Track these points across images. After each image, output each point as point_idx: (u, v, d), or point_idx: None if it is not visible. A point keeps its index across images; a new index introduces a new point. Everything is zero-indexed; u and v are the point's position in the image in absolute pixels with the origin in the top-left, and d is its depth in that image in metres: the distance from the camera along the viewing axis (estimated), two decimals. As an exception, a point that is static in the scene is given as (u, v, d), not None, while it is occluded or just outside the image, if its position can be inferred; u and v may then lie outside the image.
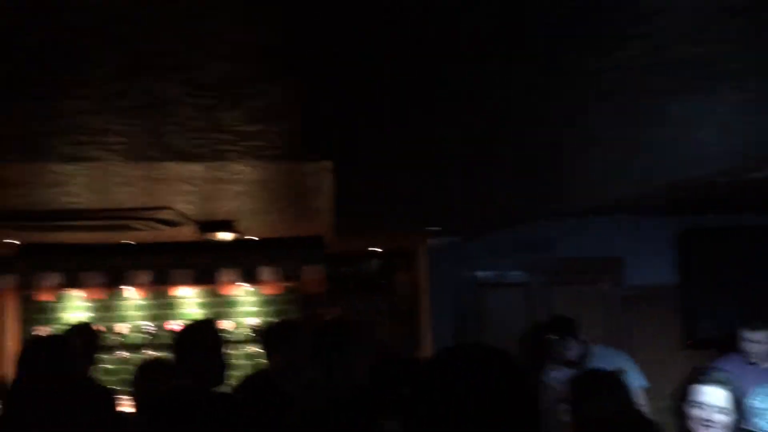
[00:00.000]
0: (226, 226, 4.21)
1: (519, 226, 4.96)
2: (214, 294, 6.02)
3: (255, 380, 2.98)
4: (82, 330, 3.92)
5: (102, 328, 5.49)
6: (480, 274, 5.41)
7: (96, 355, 3.89)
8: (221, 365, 2.56)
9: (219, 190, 3.13)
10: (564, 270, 5.37)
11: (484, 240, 5.24)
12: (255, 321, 6.00)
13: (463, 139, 1.87)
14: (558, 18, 1.04)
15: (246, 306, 6.10)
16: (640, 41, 1.16)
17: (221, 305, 6.00)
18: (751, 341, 3.54)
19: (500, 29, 1.08)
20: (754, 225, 5.29)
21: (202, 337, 2.54)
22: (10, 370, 5.79)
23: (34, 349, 2.69)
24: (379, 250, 5.93)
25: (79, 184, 2.75)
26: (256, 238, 5.50)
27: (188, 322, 3.09)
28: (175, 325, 5.80)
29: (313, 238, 5.35)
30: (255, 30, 1.02)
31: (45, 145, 1.61)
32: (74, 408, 1.84)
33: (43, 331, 5.71)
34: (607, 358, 3.45)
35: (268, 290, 6.00)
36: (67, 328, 4.44)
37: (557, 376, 3.57)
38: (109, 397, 3.54)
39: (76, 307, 6.06)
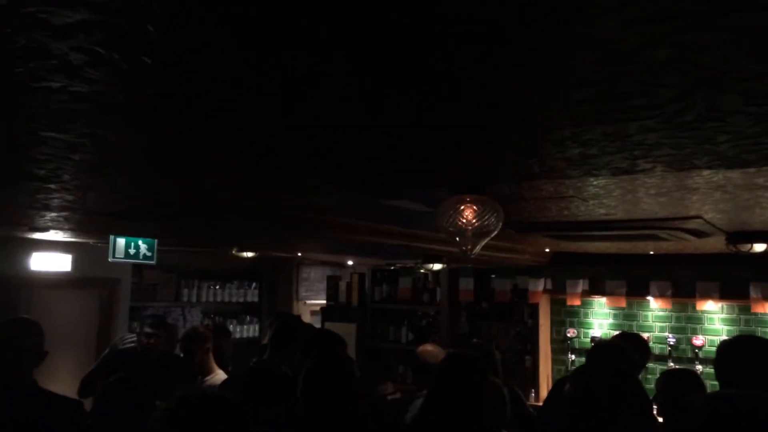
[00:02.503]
0: (760, 237, 3.90)
1: None
2: (745, 310, 5.59)
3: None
4: (634, 337, 4.13)
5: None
6: None
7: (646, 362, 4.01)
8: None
9: (756, 197, 2.95)
10: None
11: None
12: (794, 344, 5.32)
13: None
14: None
15: (783, 326, 5.47)
16: None
17: (753, 323, 5.52)
18: None
19: None
20: None
21: (749, 350, 2.44)
22: (548, 366, 6.61)
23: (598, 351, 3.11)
24: None
25: (615, 196, 2.99)
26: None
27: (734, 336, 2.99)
28: (700, 339, 5.63)
29: None
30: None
31: (601, 162, 1.85)
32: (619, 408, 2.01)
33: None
34: None
35: (811, 310, 5.25)
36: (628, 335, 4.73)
37: None
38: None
39: (599, 313, 6.48)
